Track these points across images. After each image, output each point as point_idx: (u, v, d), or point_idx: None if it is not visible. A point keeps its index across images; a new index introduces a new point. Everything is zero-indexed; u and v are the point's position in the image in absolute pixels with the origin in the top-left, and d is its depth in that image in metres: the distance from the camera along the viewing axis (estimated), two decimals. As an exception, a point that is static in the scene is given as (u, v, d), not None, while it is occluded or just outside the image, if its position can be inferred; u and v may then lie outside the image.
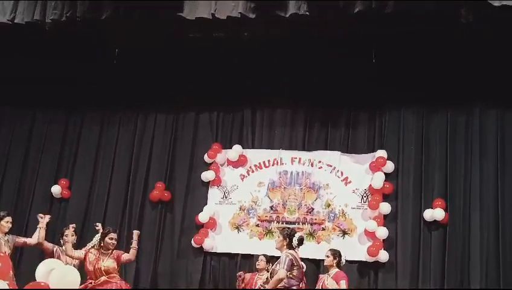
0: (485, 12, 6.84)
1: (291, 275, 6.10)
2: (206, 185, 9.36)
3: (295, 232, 6.42)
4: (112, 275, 6.80)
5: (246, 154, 9.34)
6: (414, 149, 8.69)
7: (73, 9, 7.59)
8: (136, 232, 7.26)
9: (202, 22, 7.52)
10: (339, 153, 9.02)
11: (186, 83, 9.51)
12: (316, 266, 8.43)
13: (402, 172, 8.71)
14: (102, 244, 6.89)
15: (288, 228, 7.09)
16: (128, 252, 7.04)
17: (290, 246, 6.28)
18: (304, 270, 6.59)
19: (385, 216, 8.56)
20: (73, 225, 7.39)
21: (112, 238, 6.91)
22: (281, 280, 6.01)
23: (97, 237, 7.00)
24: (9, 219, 7.30)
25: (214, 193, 9.30)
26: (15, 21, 7.75)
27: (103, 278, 6.75)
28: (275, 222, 8.93)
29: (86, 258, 6.89)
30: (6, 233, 7.26)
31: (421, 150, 8.67)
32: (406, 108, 8.91)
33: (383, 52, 8.44)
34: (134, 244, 7.11)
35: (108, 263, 6.81)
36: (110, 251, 6.90)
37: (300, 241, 6.35)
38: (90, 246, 6.97)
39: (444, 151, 8.54)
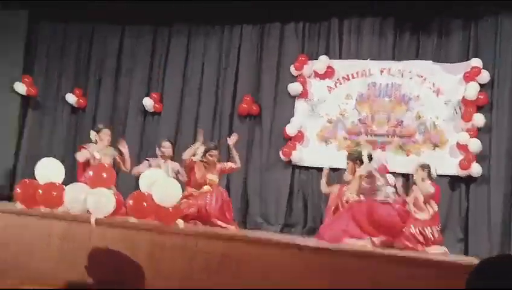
0: None
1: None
2: (293, 97, 9.30)
3: (361, 152, 6.54)
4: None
5: (333, 66, 9.13)
6: (512, 57, 8.21)
7: None
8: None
9: None
10: (431, 62, 8.67)
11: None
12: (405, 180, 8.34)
13: (498, 82, 8.31)
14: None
15: (355, 149, 7.38)
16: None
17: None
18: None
19: (479, 129, 8.27)
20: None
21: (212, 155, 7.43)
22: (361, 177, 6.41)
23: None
24: (107, 130, 7.58)
25: (301, 106, 9.24)
26: None
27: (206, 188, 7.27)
28: (364, 134, 8.84)
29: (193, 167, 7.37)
30: (107, 146, 7.53)
31: (520, 58, 8.18)
32: (503, 13, 8.33)
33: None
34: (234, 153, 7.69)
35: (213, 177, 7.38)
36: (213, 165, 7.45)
37: (370, 157, 6.55)
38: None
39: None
